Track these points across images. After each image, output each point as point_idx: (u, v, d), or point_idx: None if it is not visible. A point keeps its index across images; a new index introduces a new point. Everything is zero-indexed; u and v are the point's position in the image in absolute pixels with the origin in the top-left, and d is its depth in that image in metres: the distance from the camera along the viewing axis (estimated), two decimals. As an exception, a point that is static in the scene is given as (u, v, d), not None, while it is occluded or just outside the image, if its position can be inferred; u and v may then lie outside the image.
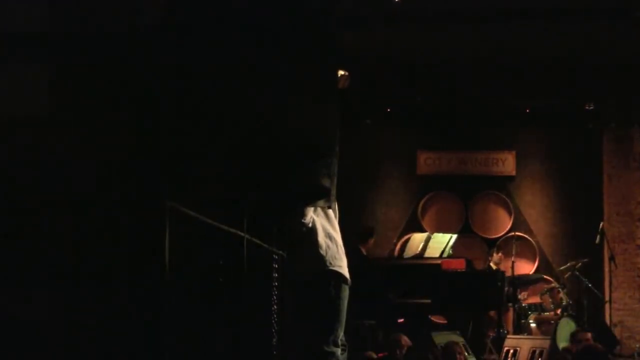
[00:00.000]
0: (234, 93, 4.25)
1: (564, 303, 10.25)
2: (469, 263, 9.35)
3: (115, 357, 3.42)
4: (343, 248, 4.99)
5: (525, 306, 10.45)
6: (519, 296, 10.52)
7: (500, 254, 11.01)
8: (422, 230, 11.10)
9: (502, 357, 8.53)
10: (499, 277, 9.14)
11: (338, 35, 4.62)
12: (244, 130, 4.30)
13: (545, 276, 11.35)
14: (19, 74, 3.83)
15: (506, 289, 9.89)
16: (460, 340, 8.52)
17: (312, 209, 4.84)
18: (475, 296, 8.89)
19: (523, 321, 10.31)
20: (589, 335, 8.78)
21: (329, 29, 4.52)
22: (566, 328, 9.64)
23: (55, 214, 3.54)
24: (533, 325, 10.28)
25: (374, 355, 7.66)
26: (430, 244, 9.37)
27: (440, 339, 8.37)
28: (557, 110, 11.64)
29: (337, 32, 4.61)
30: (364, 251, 9.41)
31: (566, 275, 10.78)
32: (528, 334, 9.97)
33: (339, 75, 5.80)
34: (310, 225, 4.87)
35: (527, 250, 11.69)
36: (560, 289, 10.44)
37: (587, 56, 9.89)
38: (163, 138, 3.66)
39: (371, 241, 9.47)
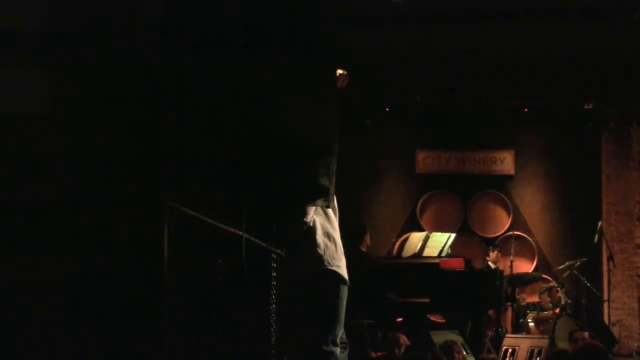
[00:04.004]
0: (233, 93, 4.25)
1: (563, 302, 10.27)
2: (467, 262, 9.35)
3: (116, 356, 3.42)
4: (342, 248, 4.99)
5: (523, 305, 10.46)
6: (518, 295, 10.52)
7: (497, 252, 11.02)
8: (421, 230, 11.11)
9: (501, 357, 8.54)
10: (497, 276, 9.15)
11: (337, 35, 4.63)
12: (243, 129, 4.31)
13: (543, 275, 11.36)
14: (18, 74, 3.83)
15: (505, 288, 9.90)
16: (458, 339, 8.52)
17: (313, 208, 4.84)
18: (473, 295, 8.89)
19: (522, 320, 10.32)
20: (586, 334, 8.79)
21: (329, 29, 4.52)
22: (565, 327, 9.66)
23: (55, 214, 3.54)
24: (531, 324, 10.28)
25: (373, 354, 7.66)
26: (429, 243, 9.37)
27: (439, 338, 8.37)
28: (556, 109, 11.65)
29: (337, 32, 4.62)
30: (363, 249, 9.42)
31: (565, 275, 10.80)
32: (527, 333, 9.98)
33: (338, 75, 5.81)
34: (311, 224, 4.87)
35: (525, 250, 11.70)
36: (558, 288, 10.45)
37: (587, 56, 9.89)
38: (163, 138, 3.66)
39: (367, 237, 9.46)
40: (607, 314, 11.06)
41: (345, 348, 4.96)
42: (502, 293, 9.40)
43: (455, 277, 8.95)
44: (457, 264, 9.15)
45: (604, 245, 11.08)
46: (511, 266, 10.45)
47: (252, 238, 5.09)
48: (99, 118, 3.67)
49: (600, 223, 10.84)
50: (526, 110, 11.59)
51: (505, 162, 12.00)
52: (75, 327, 3.46)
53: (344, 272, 4.89)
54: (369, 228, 11.12)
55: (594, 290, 10.71)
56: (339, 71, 6.69)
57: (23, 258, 3.51)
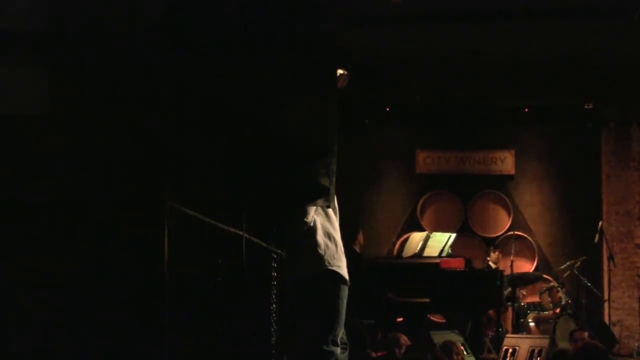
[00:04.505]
0: (233, 93, 4.25)
1: (563, 302, 10.27)
2: (468, 262, 9.35)
3: (116, 356, 3.42)
4: (342, 248, 4.99)
5: (524, 305, 10.46)
6: (518, 295, 10.52)
7: (497, 253, 11.02)
8: (421, 230, 11.10)
9: (501, 357, 8.53)
10: (497, 276, 9.14)
11: (338, 35, 4.62)
12: (243, 130, 4.31)
13: (544, 275, 11.36)
14: (19, 74, 3.84)
15: (505, 288, 9.89)
16: (459, 339, 8.51)
17: (314, 208, 4.84)
18: (474, 295, 8.89)
19: (522, 320, 10.32)
20: (586, 334, 8.79)
21: (329, 29, 4.52)
22: (565, 327, 9.66)
23: (55, 213, 3.55)
24: (532, 324, 10.28)
25: (373, 354, 7.66)
26: (429, 243, 9.37)
27: (439, 338, 8.37)
28: (556, 109, 11.65)
29: (337, 32, 4.62)
30: (357, 249, 9.43)
31: (565, 274, 10.79)
32: (527, 333, 9.97)
33: (338, 75, 5.82)
34: (311, 224, 4.87)
35: (526, 249, 11.69)
36: (559, 288, 10.45)
37: (587, 56, 9.89)
38: (163, 138, 3.66)
39: (360, 236, 9.47)
40: (608, 314, 11.06)
41: (346, 349, 4.96)
42: (502, 293, 9.40)
43: (455, 277, 8.95)
44: (458, 264, 9.14)
45: (604, 245, 11.08)
46: (511, 266, 10.44)
47: (252, 238, 5.09)
48: (99, 118, 3.67)
49: (600, 223, 10.84)
50: (526, 110, 11.59)
51: (506, 162, 12.00)
52: (75, 327, 3.46)
53: (344, 272, 4.89)
54: (369, 228, 11.16)
55: (595, 290, 10.70)
56: (339, 71, 6.70)
57: (23, 258, 3.51)
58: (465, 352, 8.28)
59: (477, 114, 11.67)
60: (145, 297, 3.40)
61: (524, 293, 10.79)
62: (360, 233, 9.50)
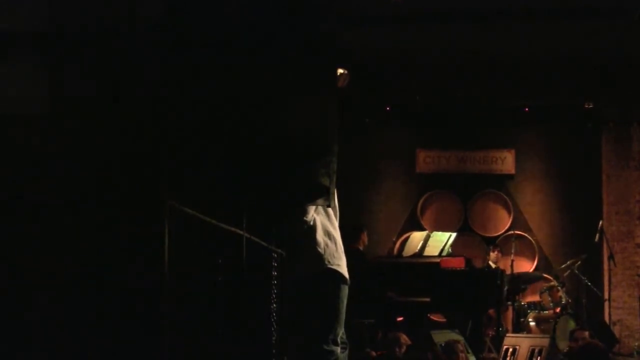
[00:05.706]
0: (233, 93, 4.26)
1: (563, 301, 10.27)
2: (468, 262, 9.36)
3: (116, 356, 3.42)
4: (342, 247, 4.99)
5: (524, 305, 10.46)
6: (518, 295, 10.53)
7: (496, 252, 11.03)
8: (422, 229, 11.10)
9: (502, 356, 8.54)
10: (498, 275, 9.15)
11: (338, 35, 4.63)
12: (244, 129, 4.31)
13: (544, 274, 11.36)
14: (19, 74, 3.84)
15: (505, 287, 9.89)
16: (459, 338, 8.51)
17: (313, 207, 4.84)
18: (474, 295, 8.89)
19: (522, 320, 10.32)
20: (587, 333, 8.79)
21: (329, 28, 4.52)
22: (565, 326, 9.66)
23: (55, 213, 3.55)
24: (532, 323, 10.28)
25: (373, 354, 7.67)
26: (430, 242, 9.37)
27: (440, 337, 8.37)
28: (556, 109, 11.65)
29: (337, 31, 4.62)
30: (361, 248, 9.44)
31: (565, 274, 10.79)
32: (527, 333, 9.97)
33: (339, 74, 5.81)
34: (311, 223, 4.87)
35: (526, 249, 11.69)
36: (559, 288, 10.44)
37: (587, 56, 9.90)
38: (163, 138, 3.67)
39: (364, 236, 9.48)
40: (608, 314, 11.06)
41: (346, 348, 4.96)
42: (502, 292, 9.40)
43: (455, 276, 8.95)
44: (458, 263, 9.15)
45: (604, 245, 11.08)
46: (512, 265, 10.45)
47: (252, 238, 5.10)
48: (99, 118, 3.67)
49: (600, 222, 10.84)
50: (526, 110, 11.59)
51: (506, 162, 12.00)
52: (75, 327, 3.46)
53: (344, 271, 4.89)
54: (369, 228, 11.14)
55: (595, 289, 10.70)
56: (340, 70, 6.68)
57: (23, 258, 3.52)
58: (466, 352, 8.28)
59: (477, 114, 11.67)
60: (145, 297, 3.40)
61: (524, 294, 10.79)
62: (365, 233, 9.51)
